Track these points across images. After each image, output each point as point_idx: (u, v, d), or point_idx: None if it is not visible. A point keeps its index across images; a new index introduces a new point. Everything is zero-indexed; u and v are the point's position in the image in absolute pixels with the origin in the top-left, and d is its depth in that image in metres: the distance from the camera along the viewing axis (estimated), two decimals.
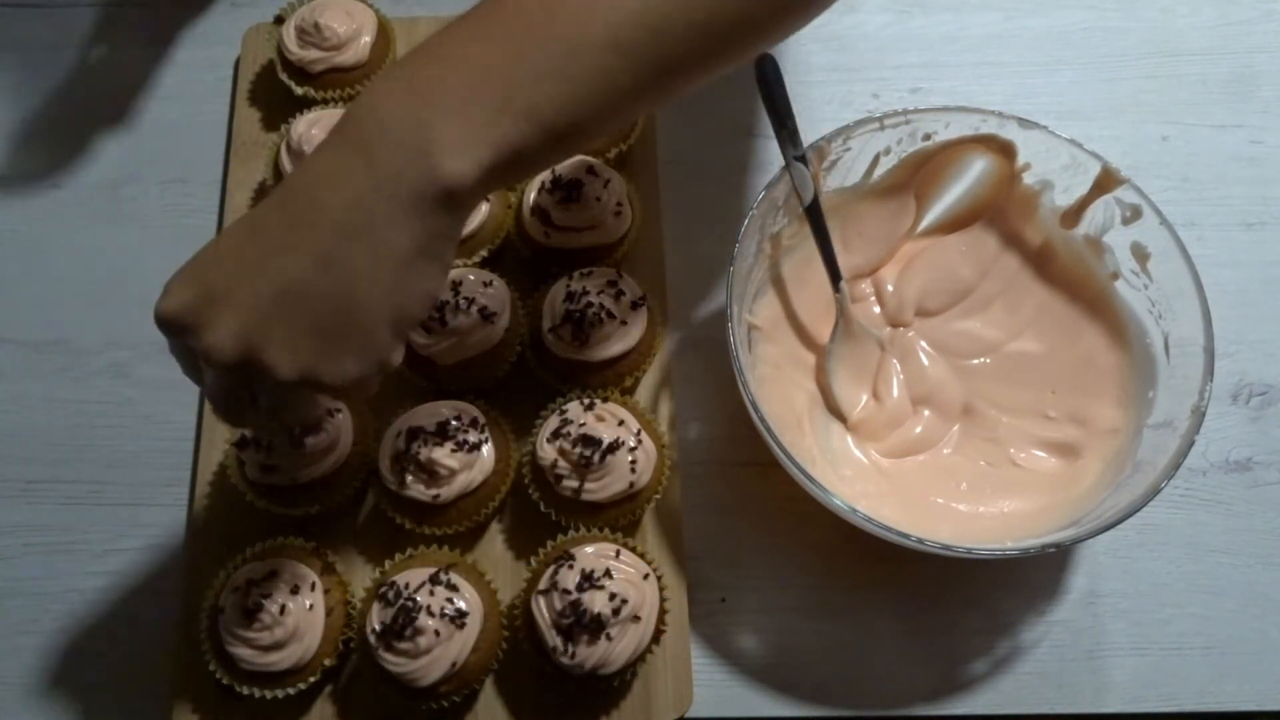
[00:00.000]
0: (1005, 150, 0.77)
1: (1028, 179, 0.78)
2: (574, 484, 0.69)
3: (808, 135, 0.75)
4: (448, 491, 0.69)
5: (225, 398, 0.56)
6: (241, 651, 0.65)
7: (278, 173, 0.80)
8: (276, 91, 0.87)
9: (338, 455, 0.71)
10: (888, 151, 0.78)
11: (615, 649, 0.64)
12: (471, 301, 0.73)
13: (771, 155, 0.88)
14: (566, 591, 0.64)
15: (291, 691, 0.66)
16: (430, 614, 0.64)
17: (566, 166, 0.78)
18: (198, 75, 0.92)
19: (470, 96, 0.51)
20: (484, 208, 0.79)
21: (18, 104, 0.90)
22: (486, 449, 0.71)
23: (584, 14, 0.52)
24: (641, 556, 0.69)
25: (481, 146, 0.51)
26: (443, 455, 0.68)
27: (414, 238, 0.51)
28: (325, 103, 0.84)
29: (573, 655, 0.64)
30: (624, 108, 0.56)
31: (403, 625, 0.63)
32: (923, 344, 0.80)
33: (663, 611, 0.67)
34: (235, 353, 0.51)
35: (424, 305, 0.54)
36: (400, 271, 0.52)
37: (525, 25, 0.52)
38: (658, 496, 0.72)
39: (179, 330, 0.53)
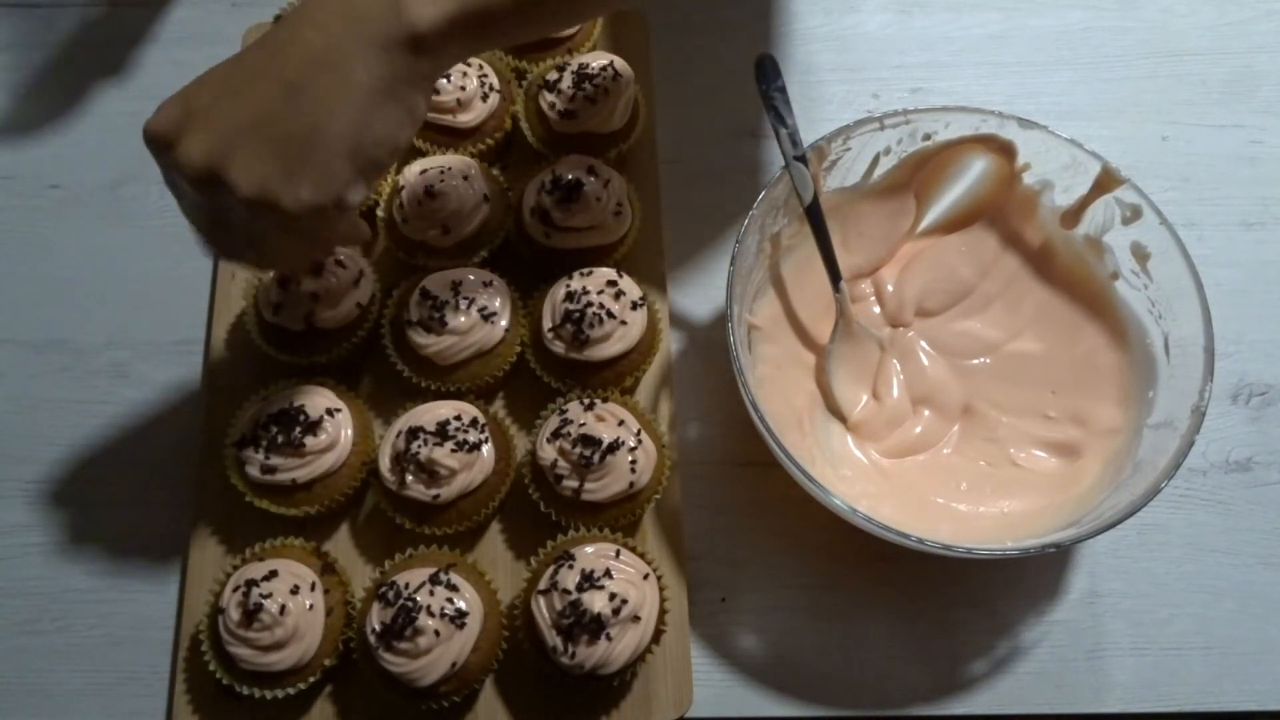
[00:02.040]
0: (1005, 150, 0.77)
1: (1028, 179, 0.78)
2: (574, 484, 0.69)
3: (808, 135, 0.75)
4: (448, 491, 0.69)
5: (199, 217, 0.60)
6: (241, 651, 0.65)
7: None
8: None
9: (338, 455, 0.71)
10: (888, 151, 0.78)
11: (615, 649, 0.64)
12: (471, 301, 0.73)
13: (771, 155, 0.88)
14: (566, 591, 0.64)
15: (291, 691, 0.66)
16: (430, 614, 0.64)
17: (566, 166, 0.77)
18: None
19: None
20: (492, 99, 0.82)
21: (17, 104, 0.90)
22: (486, 449, 0.71)
23: None
24: (641, 556, 0.69)
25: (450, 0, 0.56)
26: (443, 455, 0.68)
27: (378, 77, 0.55)
28: None
29: (573, 655, 0.64)
30: None
31: (403, 625, 0.63)
32: (923, 344, 0.80)
33: (663, 611, 0.67)
34: (201, 166, 0.55)
35: (385, 148, 0.58)
36: (362, 107, 0.56)
37: None
38: (658, 496, 0.72)
39: (160, 145, 0.57)
